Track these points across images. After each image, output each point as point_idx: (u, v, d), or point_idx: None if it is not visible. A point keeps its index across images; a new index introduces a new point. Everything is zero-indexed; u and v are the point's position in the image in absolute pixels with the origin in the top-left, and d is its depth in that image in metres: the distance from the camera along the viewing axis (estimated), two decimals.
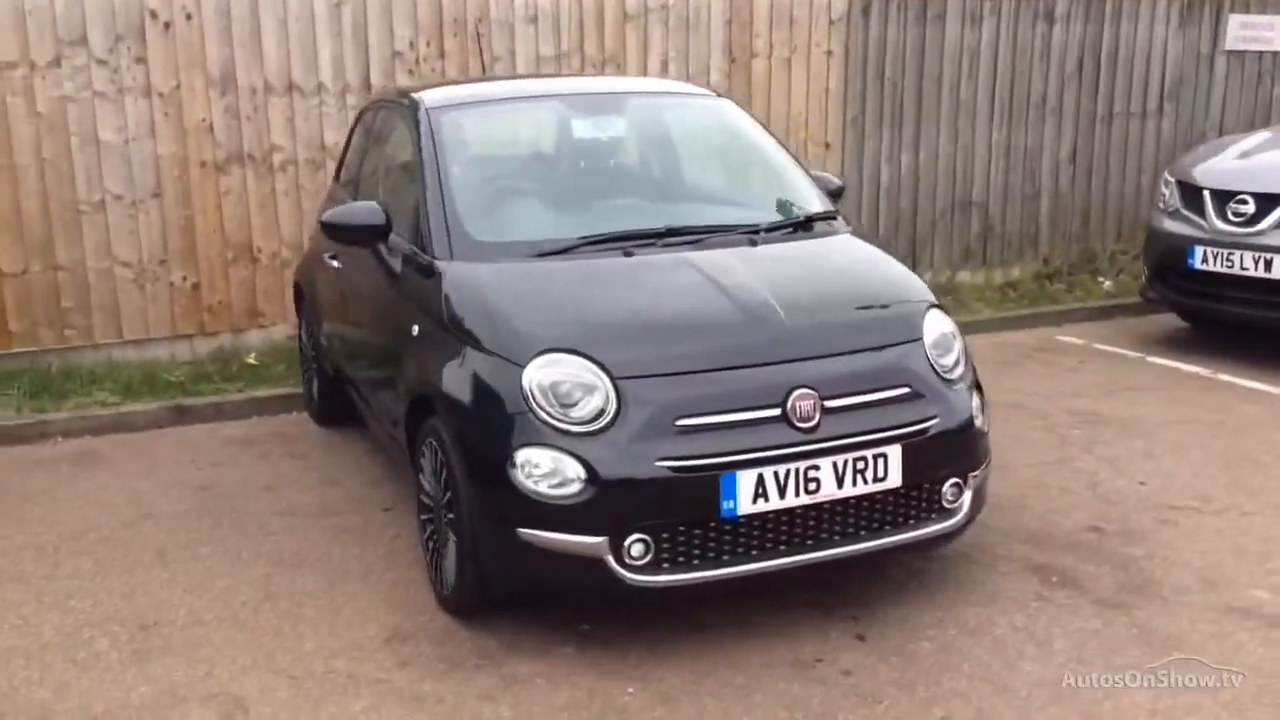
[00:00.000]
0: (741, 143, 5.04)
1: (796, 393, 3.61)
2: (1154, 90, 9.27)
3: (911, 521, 3.84)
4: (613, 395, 3.54)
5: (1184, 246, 6.99)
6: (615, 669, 3.62)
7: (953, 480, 3.89)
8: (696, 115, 5.21)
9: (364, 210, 4.46)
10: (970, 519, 4.00)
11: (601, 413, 3.52)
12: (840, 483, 3.63)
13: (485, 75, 6.90)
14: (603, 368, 3.57)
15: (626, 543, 3.49)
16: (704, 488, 3.49)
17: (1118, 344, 7.51)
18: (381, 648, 3.79)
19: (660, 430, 3.51)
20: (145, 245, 6.94)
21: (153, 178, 6.89)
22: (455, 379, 3.81)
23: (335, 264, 5.29)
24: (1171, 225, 7.17)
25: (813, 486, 3.59)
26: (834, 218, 4.67)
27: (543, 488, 3.49)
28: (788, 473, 3.55)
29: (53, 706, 3.46)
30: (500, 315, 3.82)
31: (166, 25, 6.77)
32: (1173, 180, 7.32)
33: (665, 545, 3.53)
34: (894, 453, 3.69)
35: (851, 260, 4.41)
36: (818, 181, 4.99)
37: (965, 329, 7.77)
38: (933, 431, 3.80)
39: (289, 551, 4.56)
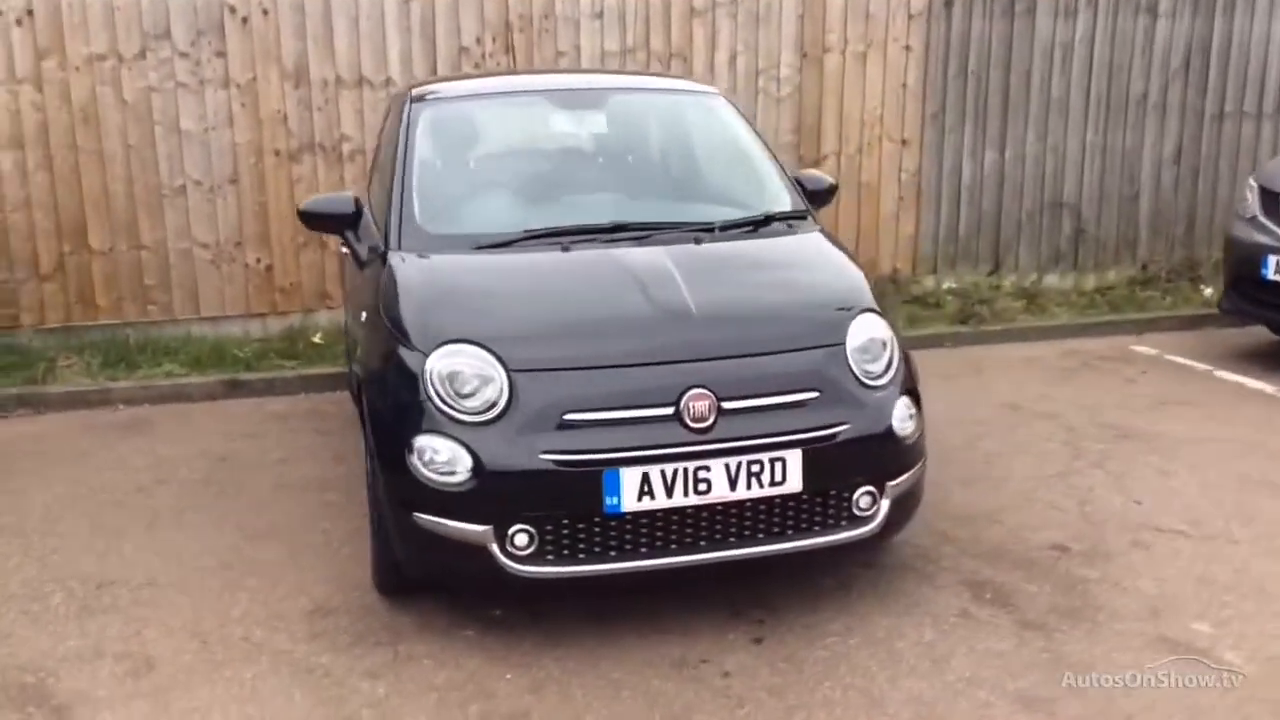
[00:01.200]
0: (722, 140, 5.03)
1: (691, 392, 3.61)
2: (1271, 89, 8.70)
3: (818, 528, 3.80)
4: (506, 387, 3.62)
5: (1259, 255, 6.59)
6: (505, 655, 3.71)
7: (866, 488, 3.82)
8: (683, 112, 5.22)
9: (333, 200, 4.68)
10: (889, 528, 3.92)
11: (494, 404, 3.61)
12: (734, 485, 3.62)
13: (512, 70, 7.05)
14: (500, 359, 3.65)
15: (510, 532, 3.57)
16: (586, 482, 3.54)
17: (1192, 356, 7.13)
18: (302, 619, 3.98)
19: (547, 423, 3.58)
20: (222, 228, 7.37)
21: (230, 165, 7.30)
22: (377, 364, 3.98)
23: (344, 251, 5.52)
24: (1248, 233, 6.77)
25: (703, 487, 3.60)
26: (802, 217, 4.63)
27: (435, 474, 3.60)
28: (675, 472, 3.57)
29: None
30: (419, 305, 3.96)
31: (244, 20, 7.16)
32: (1256, 185, 6.90)
33: (549, 537, 3.60)
34: (793, 457, 3.66)
35: (798, 261, 4.37)
36: (806, 181, 4.96)
37: (1037, 334, 7.66)
38: (842, 438, 3.74)
39: (266, 522, 4.81)
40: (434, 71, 7.44)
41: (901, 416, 3.91)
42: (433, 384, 3.66)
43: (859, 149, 8.15)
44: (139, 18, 7.03)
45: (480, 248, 4.21)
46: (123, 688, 3.57)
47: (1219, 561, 4.29)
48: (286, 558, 4.47)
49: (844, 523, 3.83)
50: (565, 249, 4.18)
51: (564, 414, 3.58)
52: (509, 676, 3.59)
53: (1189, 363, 7.01)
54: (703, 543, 3.69)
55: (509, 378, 3.63)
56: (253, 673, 3.64)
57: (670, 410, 3.61)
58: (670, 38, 7.74)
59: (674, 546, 3.67)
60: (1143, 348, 7.40)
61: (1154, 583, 4.13)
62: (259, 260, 7.46)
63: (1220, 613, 3.91)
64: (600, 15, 7.61)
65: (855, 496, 3.82)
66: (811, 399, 3.76)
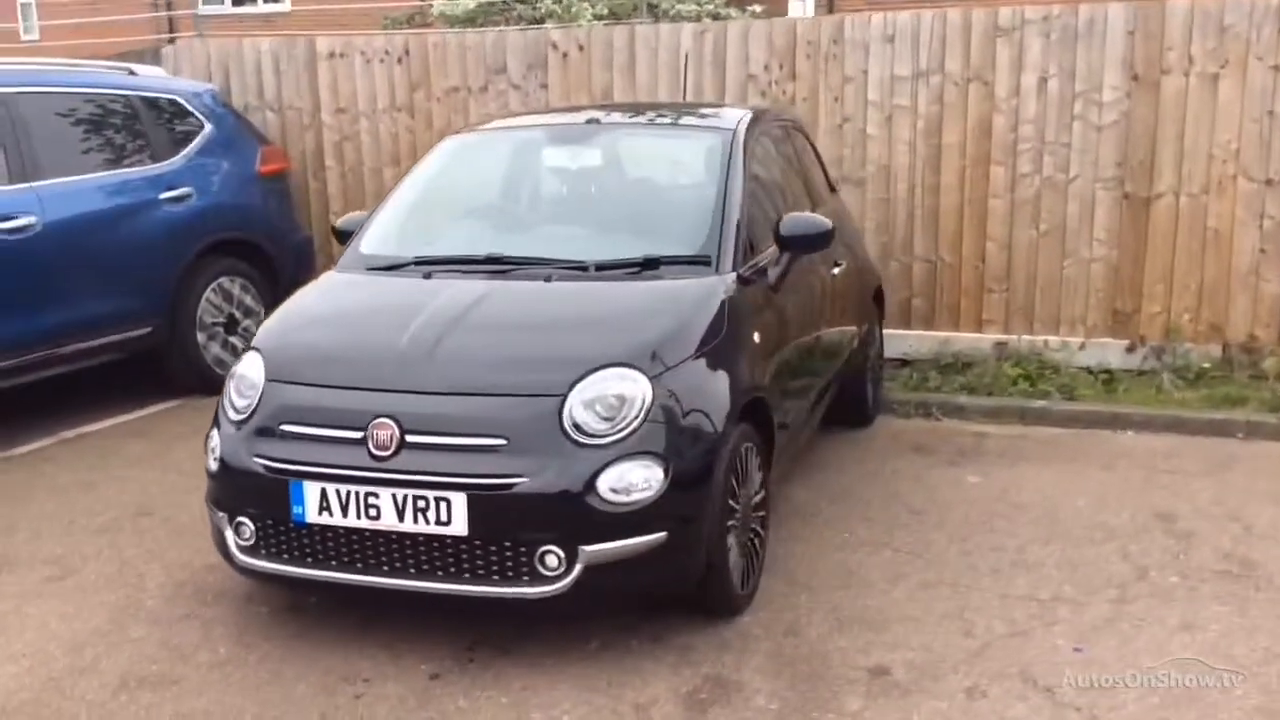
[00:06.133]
0: (685, 181, 4.84)
1: (376, 421, 3.74)
2: None
3: (495, 577, 3.68)
4: (260, 394, 4.02)
5: None
6: (246, 637, 4.07)
7: (550, 547, 3.61)
8: (670, 149, 5.02)
9: (354, 219, 5.24)
10: (585, 595, 3.65)
11: (250, 408, 4.03)
12: (401, 516, 3.69)
13: (688, 103, 6.94)
14: (266, 369, 4.06)
15: (236, 523, 3.98)
16: (279, 489, 3.84)
17: None
18: (195, 570, 4.63)
19: (269, 431, 3.94)
20: None
21: None
22: None
23: None
24: None
25: (373, 513, 3.72)
26: (704, 263, 4.31)
27: (207, 463, 4.13)
28: (349, 493, 3.74)
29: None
30: (275, 313, 4.47)
31: (564, 55, 7.95)
32: None
33: (260, 534, 3.95)
34: (458, 500, 3.63)
35: (618, 309, 4.16)
36: (786, 225, 4.59)
37: None
38: (518, 490, 3.61)
39: None
40: (721, 97, 7.62)
41: (619, 481, 3.62)
42: (231, 383, 4.18)
43: (1204, 189, 6.77)
44: (484, 56, 8.13)
45: (370, 269, 4.59)
46: (26, 587, 4.54)
47: None
48: None
49: (525, 578, 3.66)
50: (427, 276, 4.41)
51: (280, 424, 3.91)
52: (222, 651, 4.00)
53: None
54: (384, 567, 3.78)
55: (264, 386, 4.02)
56: (101, 600, 4.40)
57: (359, 435, 3.76)
58: (969, 59, 7.08)
59: (359, 565, 3.81)
60: None
61: None
62: None
63: None
64: (891, 39, 7.21)
65: (539, 553, 3.62)
66: (496, 445, 3.65)
